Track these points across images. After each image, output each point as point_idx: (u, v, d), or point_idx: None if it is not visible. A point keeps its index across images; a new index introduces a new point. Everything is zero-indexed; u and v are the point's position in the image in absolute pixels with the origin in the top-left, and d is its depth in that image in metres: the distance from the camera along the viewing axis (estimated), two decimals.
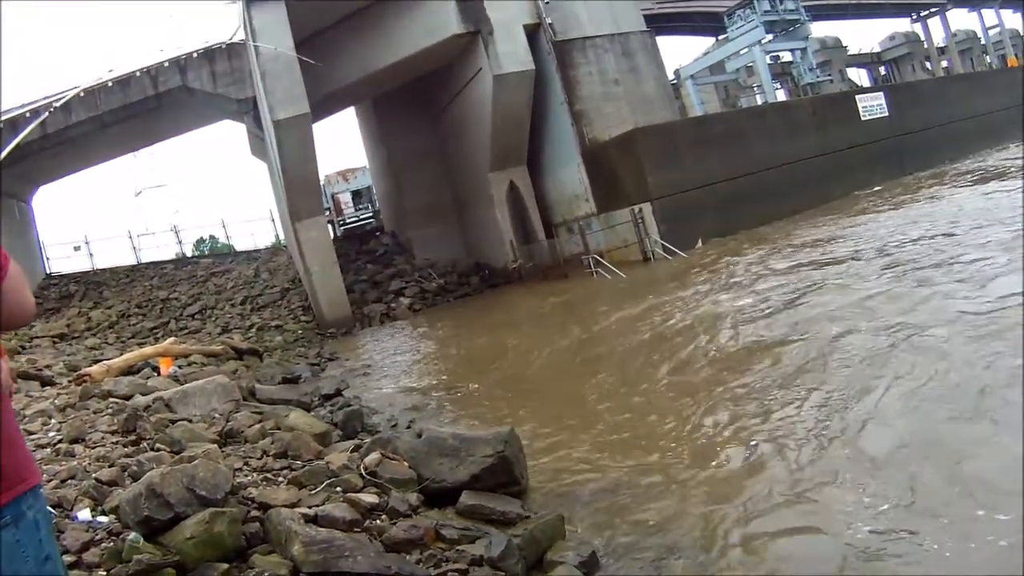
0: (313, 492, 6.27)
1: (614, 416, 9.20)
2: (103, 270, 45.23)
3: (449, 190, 38.83)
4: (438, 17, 30.47)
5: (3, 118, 38.07)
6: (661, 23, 47.81)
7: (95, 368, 15.32)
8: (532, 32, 30.59)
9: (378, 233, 44.43)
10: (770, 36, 41.76)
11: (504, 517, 6.07)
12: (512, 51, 29.78)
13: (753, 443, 6.94)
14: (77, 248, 49.98)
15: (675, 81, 46.25)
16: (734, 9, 42.85)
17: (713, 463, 6.78)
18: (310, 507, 5.82)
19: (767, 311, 12.20)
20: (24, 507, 2.29)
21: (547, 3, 30.90)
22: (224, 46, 36.77)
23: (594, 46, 31.44)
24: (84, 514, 5.79)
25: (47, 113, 7.17)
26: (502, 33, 29.75)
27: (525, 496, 6.81)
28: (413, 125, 39.00)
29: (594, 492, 6.72)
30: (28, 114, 37.65)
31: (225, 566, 4.96)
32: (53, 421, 9.89)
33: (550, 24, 30.84)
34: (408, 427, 10.36)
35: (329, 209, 48.43)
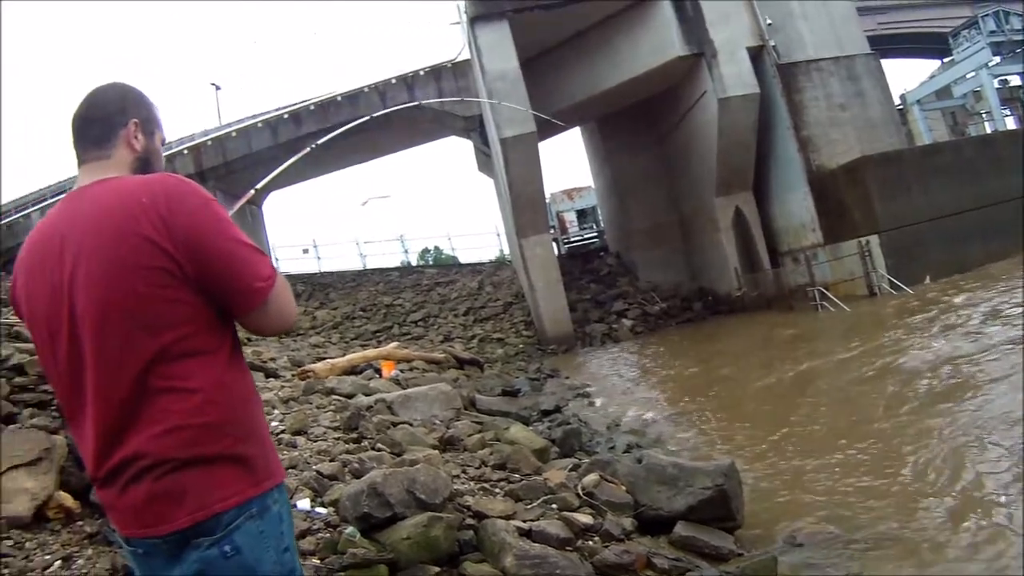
0: (529, 507, 6.24)
1: (838, 458, 8.76)
2: (330, 273, 47.07)
3: (674, 213, 38.34)
4: (660, 39, 30.34)
5: (235, 129, 40.29)
6: (885, 45, 46.23)
7: (319, 365, 15.86)
8: (755, 54, 29.97)
9: (602, 253, 44.58)
10: (997, 58, 39.79)
11: (716, 552, 5.85)
12: (736, 74, 29.29)
13: (996, 506, 6.46)
14: (305, 251, 52.44)
15: (901, 106, 44.58)
16: (959, 29, 41.10)
17: (944, 522, 6.32)
18: (524, 521, 5.78)
19: (999, 358, 11.52)
20: (270, 501, 2.39)
21: (770, 25, 30.12)
22: (450, 65, 37.70)
23: (819, 69, 30.39)
24: (304, 503, 5.98)
25: (311, 147, 7.33)
26: (725, 55, 29.31)
27: (738, 532, 6.60)
28: (638, 146, 38.90)
29: (810, 536, 6.39)
30: (259, 125, 39.64)
31: (436, 569, 5.00)
32: (276, 412, 10.29)
33: (773, 46, 30.11)
34: (626, 451, 10.22)
35: (554, 227, 48.85)
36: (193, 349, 2.26)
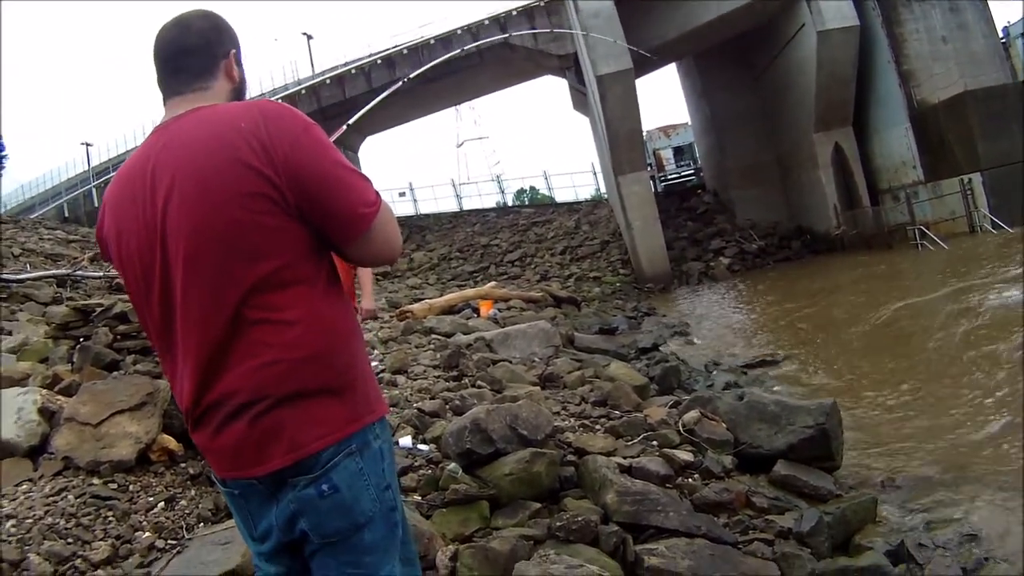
0: (629, 443, 6.23)
1: (942, 402, 8.60)
2: (426, 215, 47.50)
3: (772, 150, 37.75)
4: None
5: (328, 76, 40.66)
6: None
7: (417, 305, 16.08)
8: None
9: (699, 191, 44.22)
10: None
11: (816, 492, 5.79)
12: (836, 6, 28.60)
13: None
14: (402, 194, 53.10)
15: (1004, 40, 42.88)
16: None
17: None
18: (625, 457, 5.79)
19: None
20: (371, 437, 2.32)
21: None
22: (543, 3, 37.44)
23: (920, 1, 29.46)
24: (405, 441, 6.05)
25: (402, 82, 7.44)
26: None
27: (837, 473, 6.50)
28: (735, 83, 38.34)
29: (909, 480, 6.27)
30: (353, 71, 39.97)
31: (537, 505, 5.01)
32: (376, 352, 10.47)
33: None
34: (724, 388, 10.17)
35: (651, 164, 48.44)
36: (291, 279, 2.19)
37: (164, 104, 2.39)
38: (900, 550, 4.83)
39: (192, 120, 2.23)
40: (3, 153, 53.38)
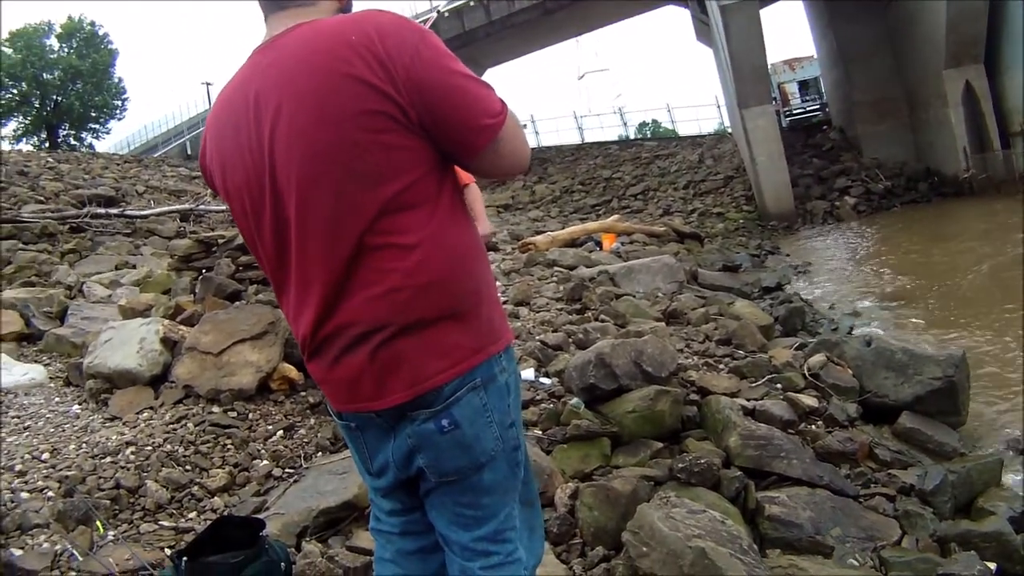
0: (753, 385, 6.14)
1: None
2: (548, 147, 47.35)
3: (900, 85, 35.74)
4: None
5: (446, 7, 40.89)
6: None
7: (540, 238, 16.16)
8: None
9: (824, 127, 42.87)
10: None
11: (940, 448, 5.60)
12: None
13: None
14: (524, 126, 53.43)
15: None
16: None
17: None
18: (748, 399, 5.70)
19: None
20: (496, 370, 2.20)
21: None
22: None
23: None
24: (528, 373, 6.09)
25: None
26: None
27: (961, 429, 6.20)
28: (863, 13, 36.31)
29: None
30: (472, 3, 39.95)
31: (659, 445, 4.98)
32: (498, 284, 10.45)
33: None
34: (849, 332, 9.96)
35: (775, 99, 47.24)
36: (414, 200, 2.05)
37: (265, 22, 2.23)
38: None
39: (295, 37, 2.07)
40: (125, 96, 55.92)
